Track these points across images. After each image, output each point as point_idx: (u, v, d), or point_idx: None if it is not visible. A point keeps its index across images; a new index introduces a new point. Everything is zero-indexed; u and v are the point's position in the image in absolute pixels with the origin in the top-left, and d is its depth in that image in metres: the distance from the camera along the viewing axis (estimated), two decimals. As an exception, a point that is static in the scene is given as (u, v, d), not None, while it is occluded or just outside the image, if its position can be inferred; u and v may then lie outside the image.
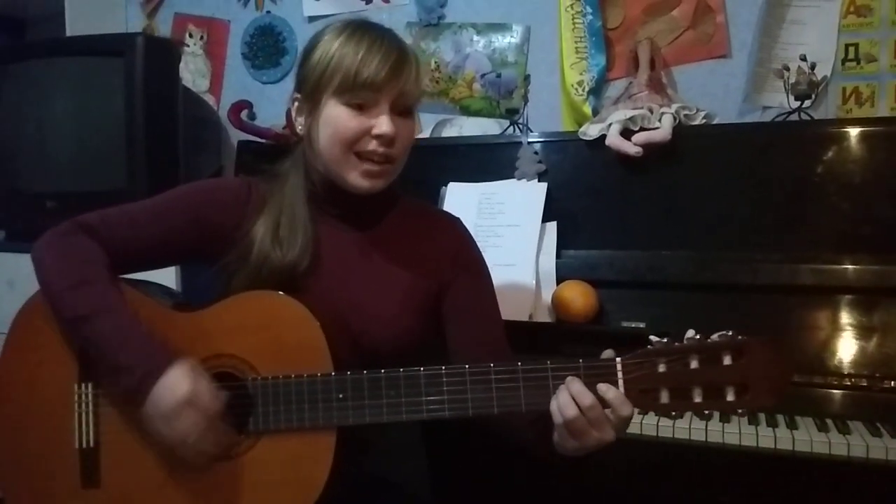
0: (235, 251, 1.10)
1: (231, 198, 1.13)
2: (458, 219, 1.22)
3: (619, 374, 0.92)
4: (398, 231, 1.16)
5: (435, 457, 1.22)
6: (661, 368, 0.92)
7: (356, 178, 1.07)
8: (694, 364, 0.91)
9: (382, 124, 1.04)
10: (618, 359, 0.93)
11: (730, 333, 0.91)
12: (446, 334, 1.15)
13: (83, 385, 1.07)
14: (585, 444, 0.92)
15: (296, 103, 1.12)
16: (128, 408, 1.04)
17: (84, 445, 1.06)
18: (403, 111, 1.07)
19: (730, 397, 0.90)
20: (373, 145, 1.05)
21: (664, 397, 0.92)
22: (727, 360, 0.90)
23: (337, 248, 1.13)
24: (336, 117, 1.05)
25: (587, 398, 0.91)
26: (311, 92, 1.08)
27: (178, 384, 0.96)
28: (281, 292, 1.05)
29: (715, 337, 0.92)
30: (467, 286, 1.15)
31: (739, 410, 0.92)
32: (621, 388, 0.92)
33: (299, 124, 1.12)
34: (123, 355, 0.99)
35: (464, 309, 1.15)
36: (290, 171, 1.14)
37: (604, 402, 0.91)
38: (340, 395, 0.99)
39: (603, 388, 0.91)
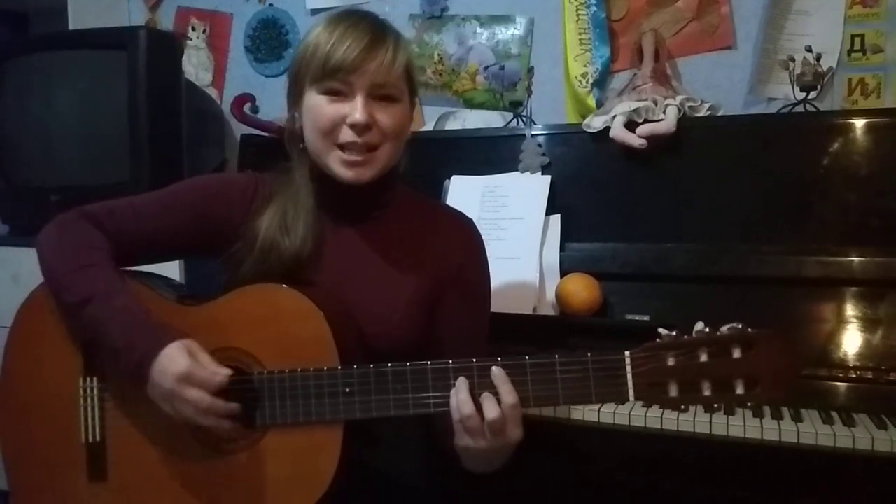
0: (242, 242, 1.10)
1: (237, 194, 1.13)
2: (471, 222, 1.19)
3: (628, 368, 0.92)
4: (402, 225, 1.15)
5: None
6: (671, 362, 0.91)
7: (339, 168, 1.06)
8: (703, 357, 0.90)
9: (355, 111, 1.02)
10: (626, 353, 0.93)
11: (739, 326, 0.91)
12: (430, 336, 1.13)
13: (88, 379, 1.07)
14: (479, 446, 0.94)
15: (289, 99, 1.12)
16: (133, 401, 1.04)
17: (90, 440, 1.07)
18: (385, 97, 1.05)
19: (739, 390, 0.90)
20: (350, 135, 1.03)
21: (673, 391, 0.91)
22: (736, 353, 0.90)
23: (340, 241, 1.12)
24: (313, 107, 1.05)
25: (467, 408, 0.93)
26: (294, 83, 1.09)
27: (174, 361, 0.95)
28: (285, 285, 1.04)
29: (724, 329, 0.91)
30: (462, 301, 1.14)
31: (749, 404, 0.92)
32: (630, 383, 0.92)
33: (292, 117, 1.12)
34: (123, 337, 0.99)
35: (452, 322, 1.13)
36: (298, 166, 1.14)
37: (484, 415, 0.93)
38: (347, 389, 0.99)
39: (488, 406, 0.93)
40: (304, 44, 1.08)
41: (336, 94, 1.04)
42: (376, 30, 1.05)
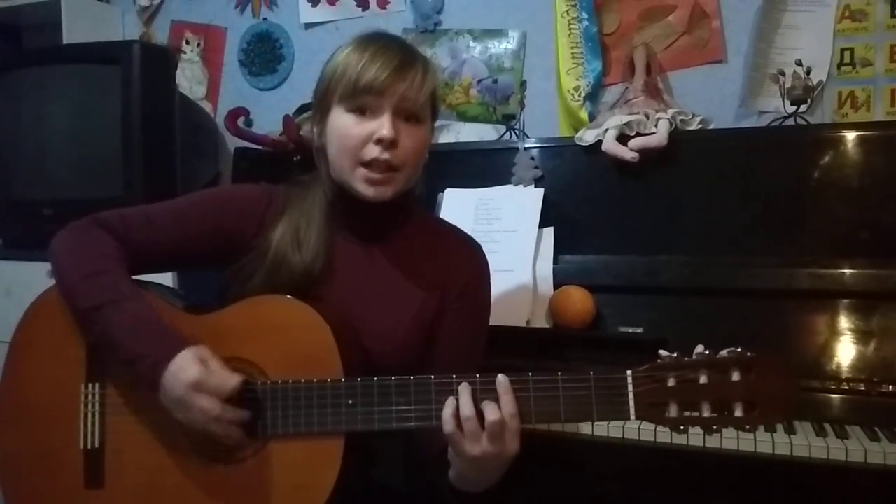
0: (253, 254, 1.11)
1: (251, 206, 1.14)
2: (480, 246, 1.21)
3: (630, 388, 0.93)
4: (413, 246, 1.15)
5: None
6: (671, 383, 0.92)
7: (361, 186, 1.06)
8: (703, 379, 0.91)
9: (382, 127, 1.04)
10: (628, 372, 0.93)
11: (738, 350, 0.92)
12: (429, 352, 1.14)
13: (90, 385, 1.07)
14: (474, 452, 0.93)
15: (313, 117, 1.14)
16: (134, 409, 1.05)
17: (89, 446, 1.06)
18: (410, 117, 1.07)
19: (738, 413, 0.91)
20: (375, 151, 1.04)
21: (673, 411, 0.92)
22: (735, 376, 0.91)
23: (351, 259, 1.13)
24: (341, 125, 1.06)
25: (468, 410, 0.93)
26: (320, 101, 1.11)
27: (185, 369, 0.96)
28: (291, 297, 1.05)
29: (724, 353, 0.92)
30: (462, 320, 1.15)
31: (747, 426, 0.92)
32: (631, 402, 0.92)
33: (314, 135, 1.14)
34: (135, 344, 0.99)
35: (449, 338, 1.14)
36: (313, 181, 1.15)
37: (485, 417, 0.93)
38: (350, 401, 0.99)
39: (489, 409, 0.93)
40: (332, 63, 1.09)
41: (363, 114, 1.05)
42: (406, 53, 1.07)
